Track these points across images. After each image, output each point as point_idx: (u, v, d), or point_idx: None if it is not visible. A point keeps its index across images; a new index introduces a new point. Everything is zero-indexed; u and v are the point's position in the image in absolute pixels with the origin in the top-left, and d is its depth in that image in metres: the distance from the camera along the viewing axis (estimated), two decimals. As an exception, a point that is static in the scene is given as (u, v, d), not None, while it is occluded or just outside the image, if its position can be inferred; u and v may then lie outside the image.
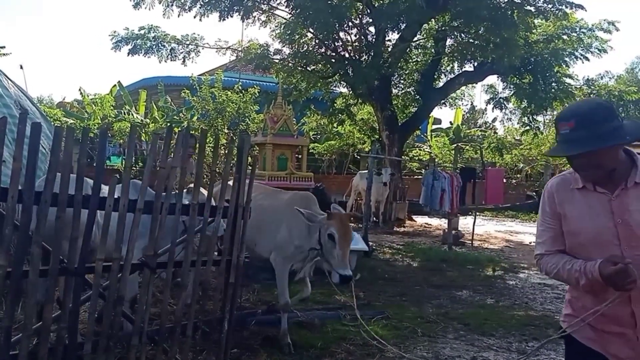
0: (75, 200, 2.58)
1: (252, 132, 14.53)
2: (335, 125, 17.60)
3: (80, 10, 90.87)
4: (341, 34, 13.90)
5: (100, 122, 16.07)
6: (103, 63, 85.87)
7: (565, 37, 13.92)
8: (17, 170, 2.38)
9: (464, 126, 24.53)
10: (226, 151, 3.53)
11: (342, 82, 15.01)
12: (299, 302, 5.70)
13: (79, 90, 18.13)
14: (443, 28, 13.63)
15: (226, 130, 14.48)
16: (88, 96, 17.66)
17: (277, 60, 14.14)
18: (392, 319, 5.25)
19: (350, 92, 15.27)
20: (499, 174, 13.23)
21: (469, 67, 14.73)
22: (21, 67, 23.89)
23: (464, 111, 28.28)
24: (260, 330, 4.67)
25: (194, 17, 13.36)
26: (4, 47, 18.87)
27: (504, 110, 17.74)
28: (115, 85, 19.04)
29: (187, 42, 14.23)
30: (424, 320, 5.38)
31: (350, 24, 13.79)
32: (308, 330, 4.79)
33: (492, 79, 15.98)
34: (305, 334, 4.66)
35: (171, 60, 14.29)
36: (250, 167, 3.53)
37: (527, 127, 17.09)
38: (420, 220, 15.66)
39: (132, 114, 16.97)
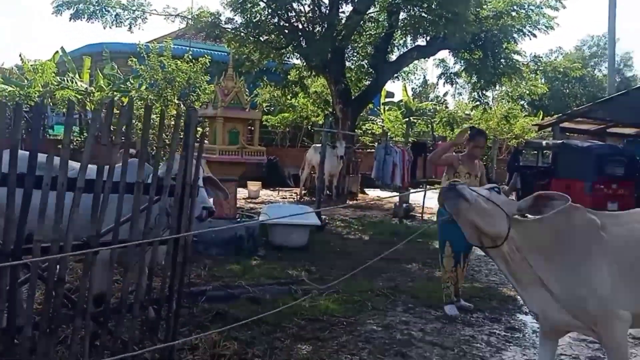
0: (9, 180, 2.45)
1: (203, 103, 14.18)
2: (288, 97, 17.41)
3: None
4: (294, 4, 13.63)
5: (41, 89, 15.32)
6: (45, 28, 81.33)
7: (514, 13, 14.15)
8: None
9: (415, 100, 24.78)
10: (174, 124, 3.40)
11: (295, 54, 14.80)
12: (250, 278, 5.70)
13: (19, 56, 17.25)
14: (396, 1, 13.59)
15: (176, 101, 14.08)
16: (29, 62, 16.77)
17: (228, 30, 13.77)
18: (342, 293, 5.30)
19: (304, 64, 15.10)
20: (449, 148, 13.46)
21: (421, 42, 14.79)
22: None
23: (416, 85, 28.51)
24: (211, 307, 4.63)
25: (140, -20, 12.79)
26: None
27: (454, 85, 18.01)
28: (57, 51, 18.13)
29: (133, 8, 13.61)
30: (374, 293, 5.47)
31: (304, -6, 13.55)
32: (259, 306, 4.78)
33: (443, 54, 16.12)
34: (256, 309, 4.65)
35: (116, 26, 13.61)
36: (197, 143, 3.43)
37: (477, 102, 17.42)
38: (373, 193, 15.86)
39: (76, 82, 16.25)
